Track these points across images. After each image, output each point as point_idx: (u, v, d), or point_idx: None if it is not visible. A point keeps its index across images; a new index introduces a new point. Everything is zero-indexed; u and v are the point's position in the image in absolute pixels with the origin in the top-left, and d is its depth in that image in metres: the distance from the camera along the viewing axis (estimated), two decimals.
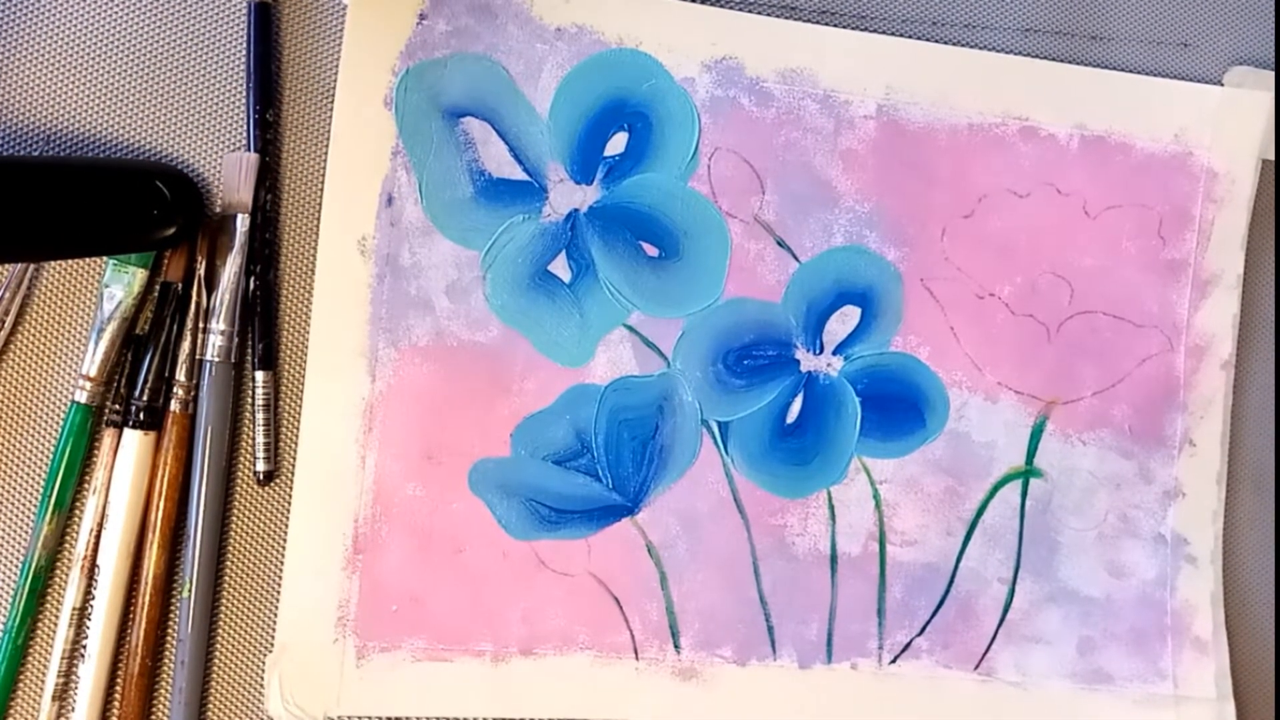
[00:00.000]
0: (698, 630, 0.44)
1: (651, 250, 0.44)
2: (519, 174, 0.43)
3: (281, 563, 0.42)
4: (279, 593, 0.42)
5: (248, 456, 0.42)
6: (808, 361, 0.45)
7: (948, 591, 0.46)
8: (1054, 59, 0.48)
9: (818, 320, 0.45)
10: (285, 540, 0.42)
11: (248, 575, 0.42)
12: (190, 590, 0.41)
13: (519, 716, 0.43)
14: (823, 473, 0.45)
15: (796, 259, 0.45)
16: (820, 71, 0.45)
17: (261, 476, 0.42)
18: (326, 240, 0.42)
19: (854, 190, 0.46)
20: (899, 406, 0.46)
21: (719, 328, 0.45)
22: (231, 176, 0.42)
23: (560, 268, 0.44)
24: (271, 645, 0.42)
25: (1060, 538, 0.47)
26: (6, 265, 0.41)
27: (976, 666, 0.46)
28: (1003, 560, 0.47)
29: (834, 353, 0.46)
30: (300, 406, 0.42)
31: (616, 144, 0.44)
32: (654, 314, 0.44)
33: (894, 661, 0.46)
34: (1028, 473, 0.47)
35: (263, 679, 0.42)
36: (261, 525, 0.42)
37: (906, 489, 0.46)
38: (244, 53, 0.42)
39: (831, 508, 0.45)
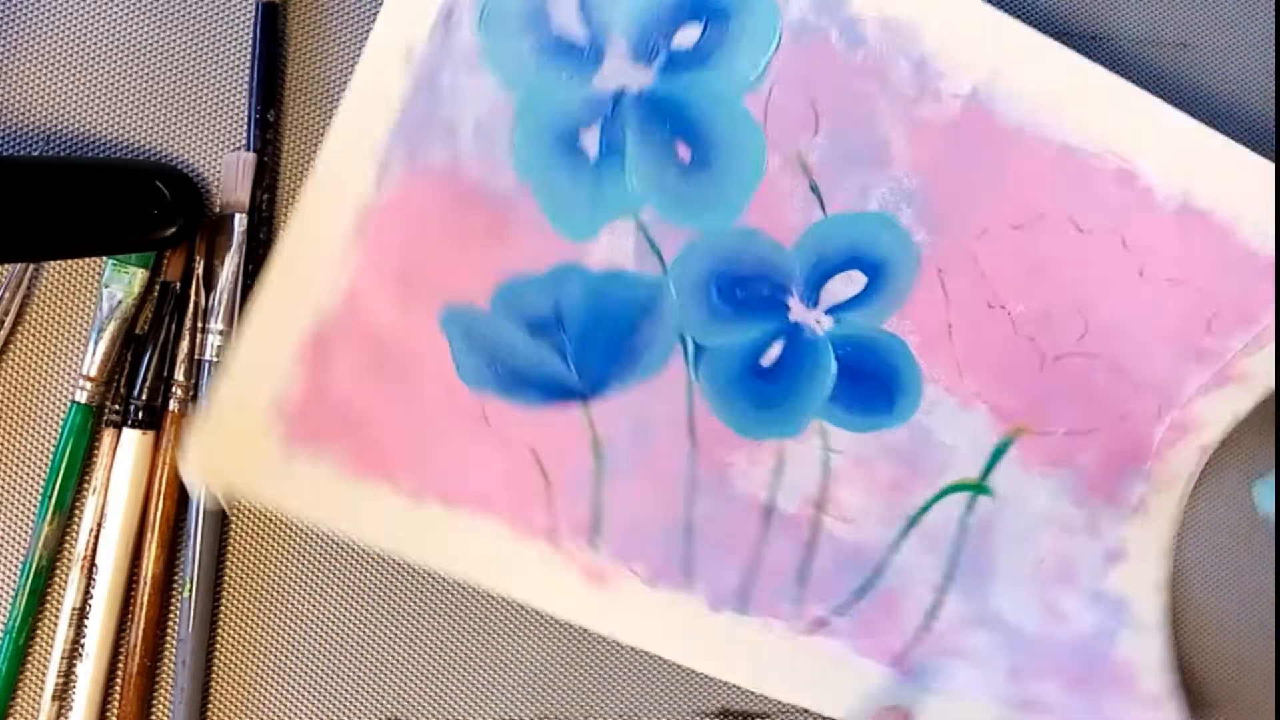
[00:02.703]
0: (618, 537, 0.44)
1: (685, 154, 0.44)
2: (581, 35, 0.43)
3: (280, 563, 0.42)
4: (280, 592, 0.42)
5: None
6: (799, 312, 0.45)
7: (873, 580, 0.46)
8: None
9: (822, 276, 0.45)
10: (284, 541, 0.42)
11: (248, 576, 0.42)
12: (191, 590, 0.41)
13: (421, 562, 0.42)
14: (782, 422, 0.45)
15: (824, 209, 0.45)
16: (925, 32, 0.44)
17: None
18: (377, 39, 0.41)
19: (908, 161, 0.45)
20: (872, 384, 0.45)
21: (725, 251, 0.44)
22: (229, 176, 0.41)
23: (590, 140, 0.43)
24: (274, 644, 0.42)
25: (997, 563, 0.47)
26: (6, 265, 0.41)
27: (894, 663, 0.46)
28: (933, 567, 0.46)
29: (826, 311, 0.45)
30: None
31: (687, 36, 0.43)
32: (667, 217, 0.44)
33: (810, 633, 0.45)
34: (978, 488, 0.46)
35: (264, 679, 0.42)
36: (262, 525, 0.42)
37: (857, 466, 0.45)
38: (245, 52, 0.42)
39: (780, 460, 0.45)
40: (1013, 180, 0.45)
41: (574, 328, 0.43)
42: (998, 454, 0.47)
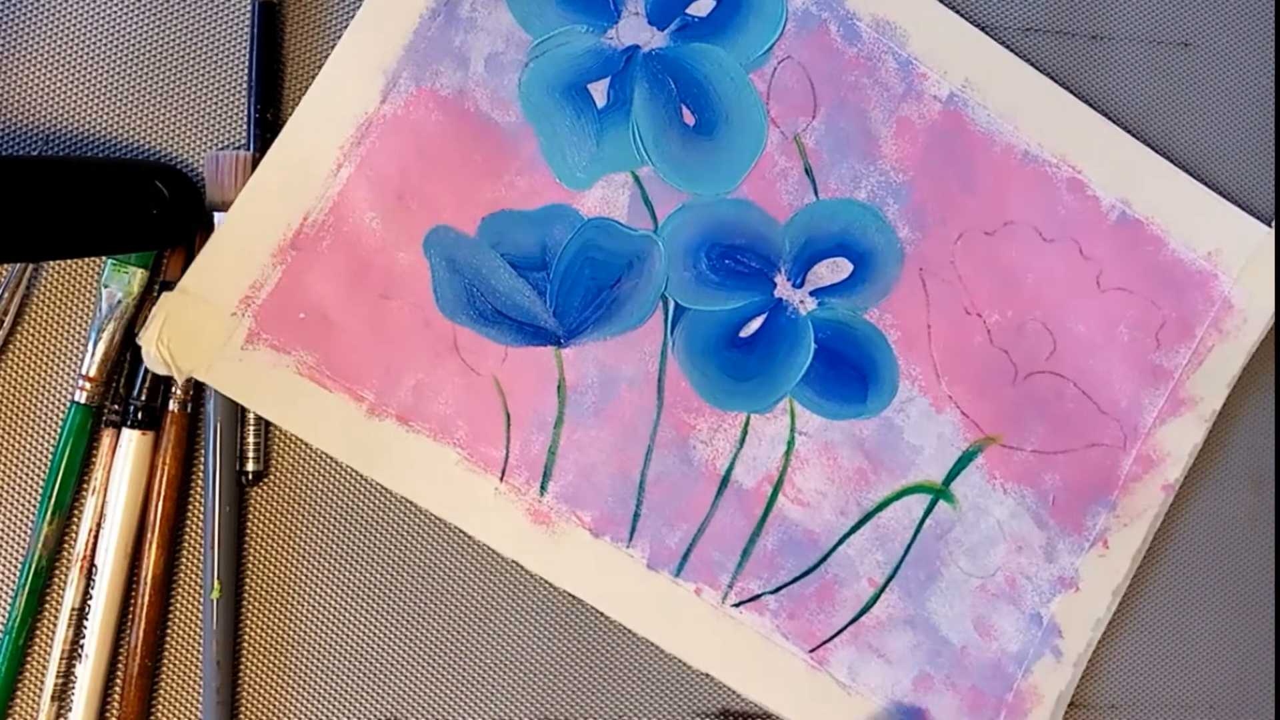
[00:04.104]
0: (569, 483, 0.43)
1: (689, 118, 0.44)
2: None
3: (280, 566, 0.43)
4: (282, 593, 0.42)
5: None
6: (784, 289, 0.45)
7: (816, 566, 0.45)
8: (1054, 59, 0.48)
9: (810, 257, 0.45)
10: (282, 541, 0.43)
11: (250, 578, 0.43)
12: (219, 592, 0.41)
13: (368, 474, 0.42)
14: (753, 396, 0.45)
15: (816, 193, 0.45)
16: (912, 35, 0.46)
17: (250, 477, 0.42)
18: None
19: (896, 157, 0.46)
20: (849, 372, 0.46)
21: (717, 218, 0.45)
22: (214, 176, 0.42)
23: (599, 92, 0.44)
24: (273, 645, 0.43)
25: (944, 569, 0.46)
26: (6, 265, 0.41)
27: (813, 650, 0.45)
28: (881, 564, 0.46)
29: (811, 293, 0.45)
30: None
31: (701, 6, 0.45)
32: (665, 177, 0.44)
33: (738, 605, 0.45)
34: (940, 493, 0.46)
35: (264, 679, 0.43)
36: (260, 525, 0.43)
37: (822, 451, 0.45)
38: (245, 52, 0.43)
39: (745, 433, 0.45)
40: (984, 185, 0.46)
41: (558, 269, 0.43)
42: (965, 460, 0.46)
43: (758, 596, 0.45)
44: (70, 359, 0.42)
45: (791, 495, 0.45)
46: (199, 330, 0.40)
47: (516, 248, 0.43)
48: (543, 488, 0.43)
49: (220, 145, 0.43)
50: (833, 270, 0.46)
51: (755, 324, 0.45)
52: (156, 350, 0.39)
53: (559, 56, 0.43)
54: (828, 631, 0.45)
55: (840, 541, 0.45)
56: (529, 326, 0.43)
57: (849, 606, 0.45)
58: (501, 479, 0.43)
